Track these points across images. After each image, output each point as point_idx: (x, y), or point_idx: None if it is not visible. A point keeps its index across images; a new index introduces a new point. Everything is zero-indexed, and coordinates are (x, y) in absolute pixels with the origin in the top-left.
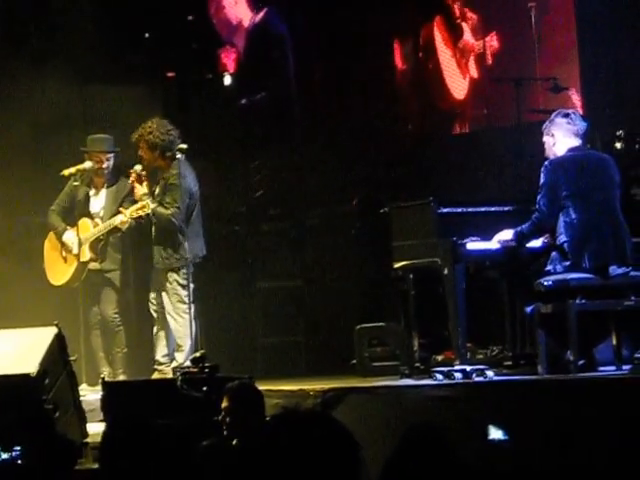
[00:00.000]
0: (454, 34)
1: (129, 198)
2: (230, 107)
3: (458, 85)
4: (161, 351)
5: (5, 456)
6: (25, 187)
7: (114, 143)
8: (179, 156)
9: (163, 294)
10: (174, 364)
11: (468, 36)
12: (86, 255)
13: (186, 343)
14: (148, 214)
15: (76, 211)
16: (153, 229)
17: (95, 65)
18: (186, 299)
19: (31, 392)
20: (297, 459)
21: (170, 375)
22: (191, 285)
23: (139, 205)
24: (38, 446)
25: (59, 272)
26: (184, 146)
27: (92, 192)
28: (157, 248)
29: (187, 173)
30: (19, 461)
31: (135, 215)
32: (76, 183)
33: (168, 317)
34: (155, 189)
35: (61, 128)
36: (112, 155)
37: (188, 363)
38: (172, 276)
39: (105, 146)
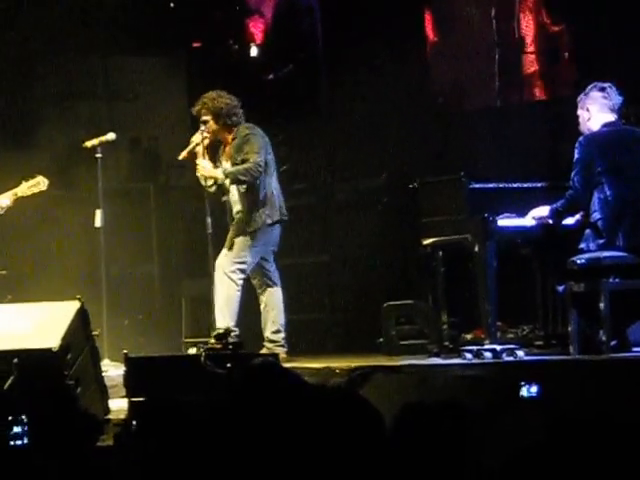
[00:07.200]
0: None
1: None
2: (256, 79)
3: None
4: (270, 327)
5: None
6: (46, 159)
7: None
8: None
9: (262, 261)
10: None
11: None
12: None
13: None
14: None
15: None
16: (236, 195)
17: (119, 35)
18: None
19: (53, 367)
20: (325, 434)
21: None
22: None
23: (33, 182)
24: (59, 422)
25: None
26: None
27: None
28: (246, 212)
29: (260, 132)
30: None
31: (28, 193)
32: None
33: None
34: (220, 163)
35: (83, 99)
36: None
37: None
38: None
39: None
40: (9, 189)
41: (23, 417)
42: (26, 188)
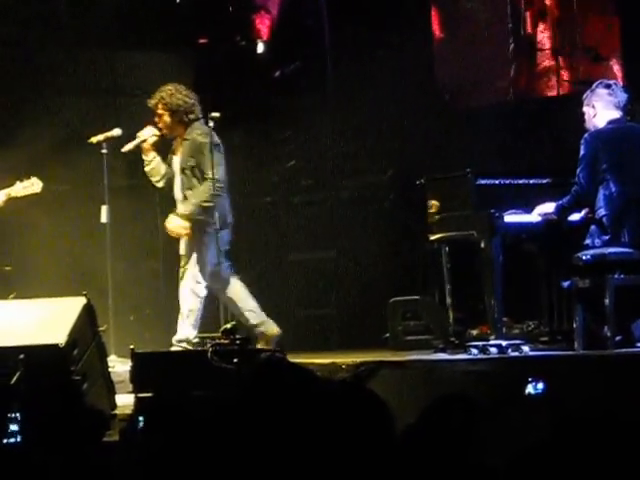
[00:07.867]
0: None
1: None
2: (263, 75)
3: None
4: (250, 316)
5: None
6: (52, 154)
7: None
8: (211, 124)
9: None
10: None
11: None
12: None
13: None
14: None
15: None
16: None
17: (125, 31)
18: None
19: (59, 363)
20: (334, 429)
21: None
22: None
23: (27, 183)
24: (65, 418)
25: None
26: (216, 114)
27: None
28: (190, 219)
29: (215, 140)
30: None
31: (22, 194)
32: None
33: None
34: (170, 159)
35: (88, 95)
36: None
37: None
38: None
39: None
40: (3, 188)
41: (17, 415)
42: (20, 189)
